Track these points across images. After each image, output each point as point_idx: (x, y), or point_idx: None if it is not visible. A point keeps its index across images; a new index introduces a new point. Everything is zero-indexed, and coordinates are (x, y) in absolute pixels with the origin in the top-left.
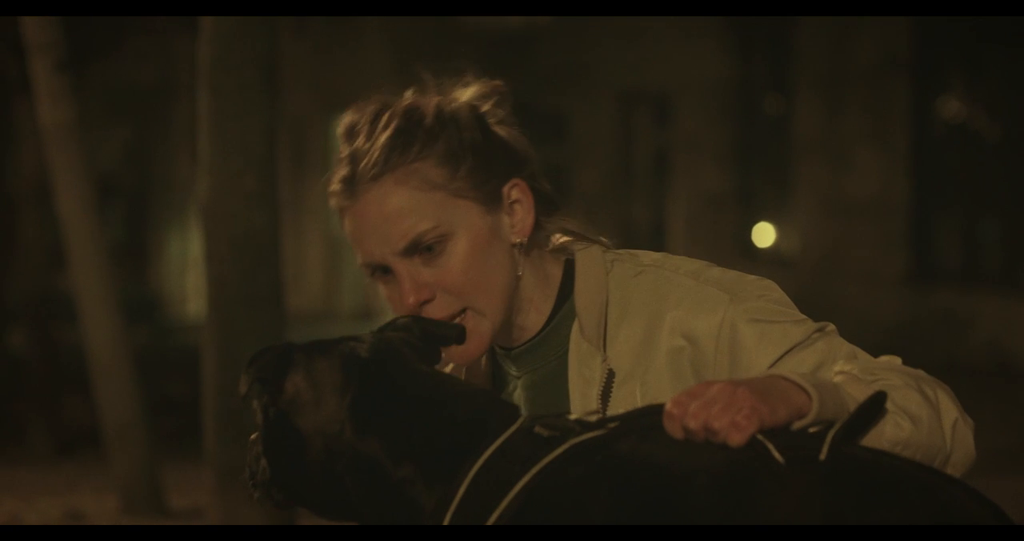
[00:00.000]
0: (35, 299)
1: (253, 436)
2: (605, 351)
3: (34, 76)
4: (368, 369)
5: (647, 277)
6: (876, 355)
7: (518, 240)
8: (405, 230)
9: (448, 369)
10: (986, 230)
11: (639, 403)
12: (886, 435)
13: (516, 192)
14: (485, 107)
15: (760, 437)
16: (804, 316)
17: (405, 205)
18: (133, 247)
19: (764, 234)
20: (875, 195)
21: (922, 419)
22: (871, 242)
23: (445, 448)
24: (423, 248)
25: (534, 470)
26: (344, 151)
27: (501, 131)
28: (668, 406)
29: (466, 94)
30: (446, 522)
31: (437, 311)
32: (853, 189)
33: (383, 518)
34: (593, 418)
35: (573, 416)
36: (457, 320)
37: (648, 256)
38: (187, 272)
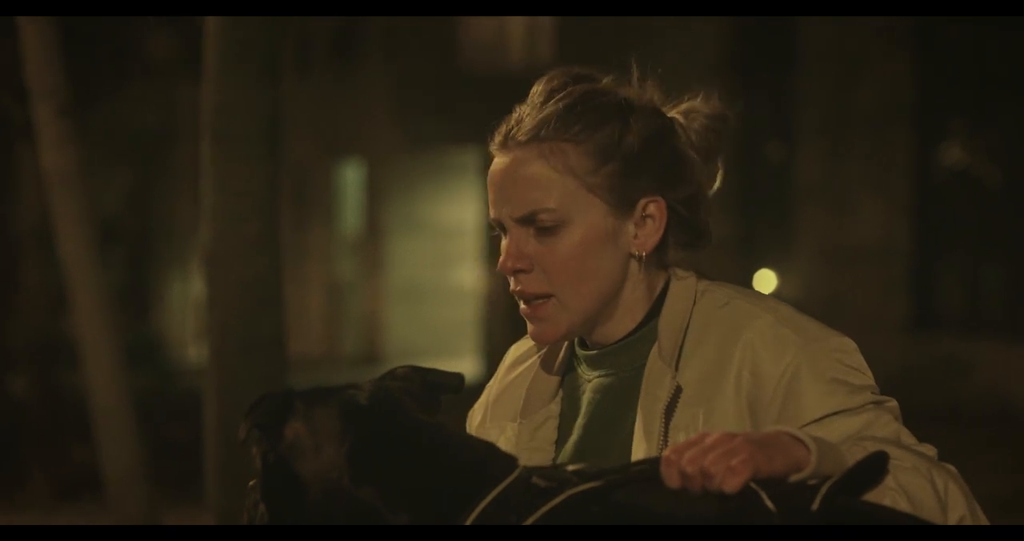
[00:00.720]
0: (37, 343)
1: (252, 483)
2: (677, 370)
3: (37, 121)
4: (367, 417)
5: (731, 308)
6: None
7: (637, 252)
8: (527, 201)
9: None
10: (988, 277)
11: (701, 427)
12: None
13: (652, 208)
14: (684, 120)
15: (754, 485)
16: (871, 383)
17: (537, 179)
18: (135, 291)
19: (766, 281)
20: (877, 241)
21: (923, 503)
22: (873, 288)
23: (444, 498)
24: (538, 224)
25: (530, 520)
26: (518, 109)
27: (680, 147)
28: (666, 452)
29: (676, 108)
30: None
31: (528, 284)
32: (855, 235)
33: None
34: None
35: (571, 467)
36: (540, 304)
37: (738, 291)
38: (188, 316)
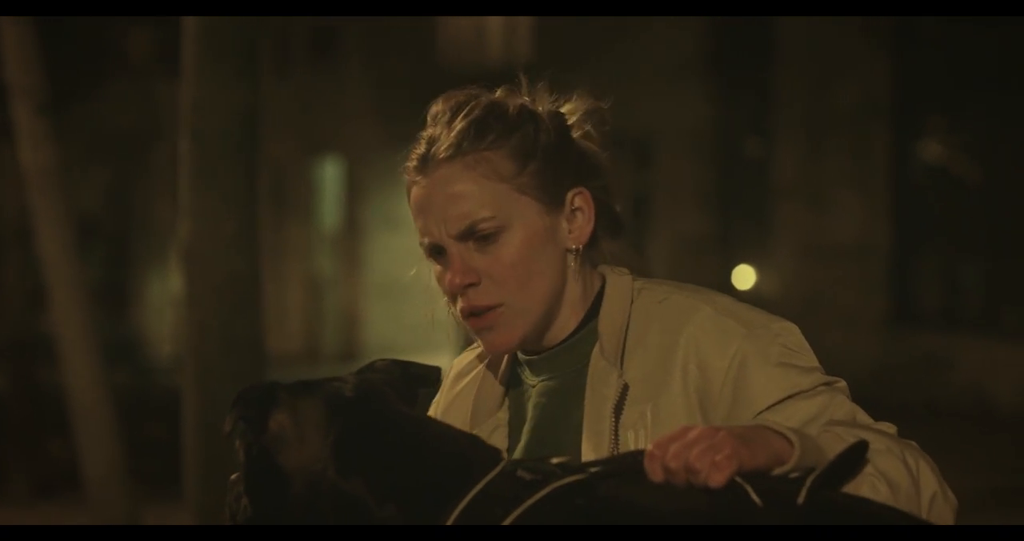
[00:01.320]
0: (16, 341)
1: (234, 476)
2: (622, 368)
3: (15, 119)
4: (352, 409)
5: (670, 304)
6: (854, 400)
7: (573, 246)
8: (463, 214)
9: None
10: (966, 273)
11: (649, 424)
12: (862, 494)
13: (579, 200)
14: (572, 119)
15: (739, 480)
16: (817, 364)
17: (468, 190)
18: (114, 289)
19: (744, 277)
20: (855, 238)
21: (900, 486)
22: (851, 285)
23: (429, 490)
24: (478, 235)
25: (516, 512)
26: (426, 132)
27: (580, 142)
28: (650, 447)
29: (559, 105)
30: None
31: (478, 297)
32: (833, 232)
33: None
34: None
35: (555, 460)
36: (491, 314)
37: (675, 286)
38: (167, 313)
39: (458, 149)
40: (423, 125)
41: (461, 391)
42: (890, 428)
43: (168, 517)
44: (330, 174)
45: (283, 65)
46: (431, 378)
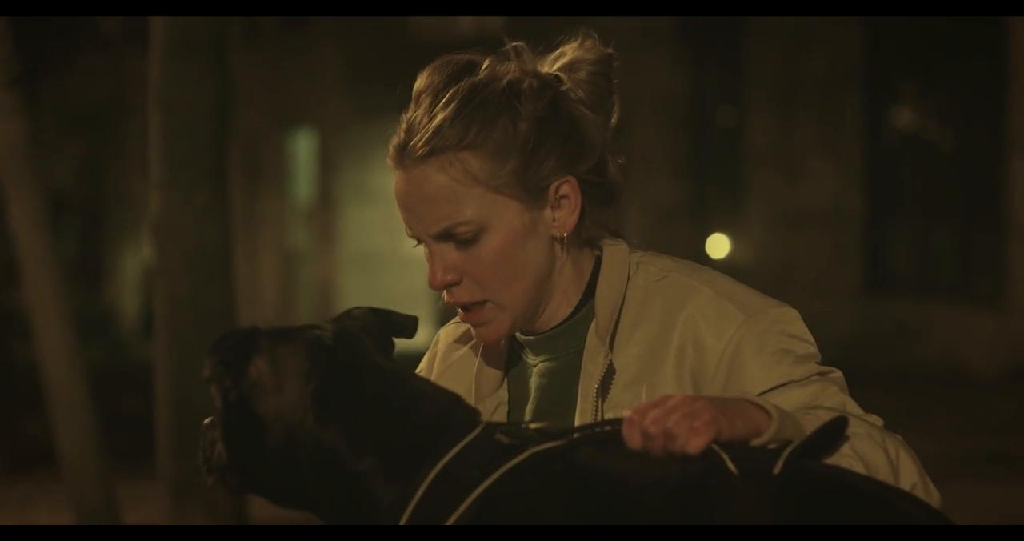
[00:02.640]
0: None
1: (207, 421)
2: (611, 349)
3: None
4: (333, 357)
5: (669, 282)
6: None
7: (559, 234)
8: (440, 217)
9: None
10: (939, 240)
11: None
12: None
13: (565, 188)
14: (568, 83)
15: (716, 447)
16: (815, 352)
17: (443, 194)
18: (87, 263)
19: (718, 246)
20: (828, 206)
21: (878, 470)
22: (825, 253)
23: (407, 445)
24: (457, 238)
25: (494, 477)
26: (408, 112)
27: (576, 114)
28: (629, 413)
29: (557, 63)
30: (403, 522)
31: (461, 294)
32: (806, 200)
33: (338, 508)
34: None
35: (534, 425)
36: (477, 309)
37: (675, 262)
38: (141, 287)
39: (434, 148)
40: (408, 98)
41: (455, 364)
42: (877, 420)
43: (143, 492)
44: (303, 146)
45: (254, 38)
46: (409, 327)
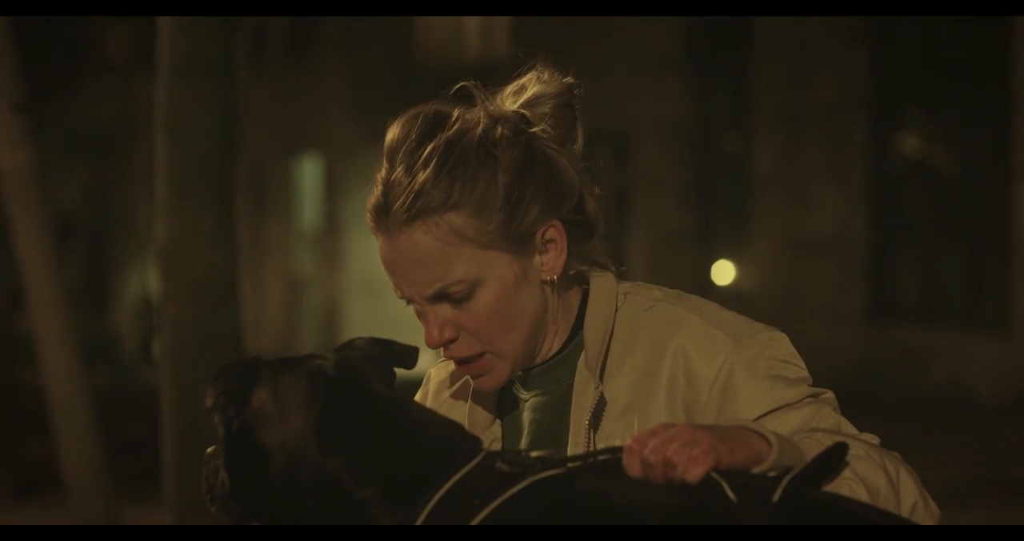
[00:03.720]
0: None
1: (211, 450)
2: (601, 380)
3: None
4: (334, 386)
5: (657, 312)
6: (835, 395)
7: (549, 278)
8: (431, 280)
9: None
10: (945, 266)
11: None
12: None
13: (551, 233)
14: (534, 120)
15: (715, 476)
16: (805, 375)
17: (432, 256)
18: (93, 287)
19: (724, 272)
20: (834, 232)
21: (879, 491)
22: (830, 279)
23: (409, 475)
24: (450, 297)
25: (493, 505)
26: (383, 172)
27: (550, 154)
28: (629, 442)
29: (520, 98)
30: None
31: (459, 349)
32: (812, 226)
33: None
34: (566, 451)
35: (535, 453)
36: (476, 361)
37: (661, 292)
38: (141, 312)
39: (418, 211)
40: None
41: (447, 401)
42: (873, 439)
43: (148, 515)
44: (309, 171)
45: (261, 62)
46: (410, 358)
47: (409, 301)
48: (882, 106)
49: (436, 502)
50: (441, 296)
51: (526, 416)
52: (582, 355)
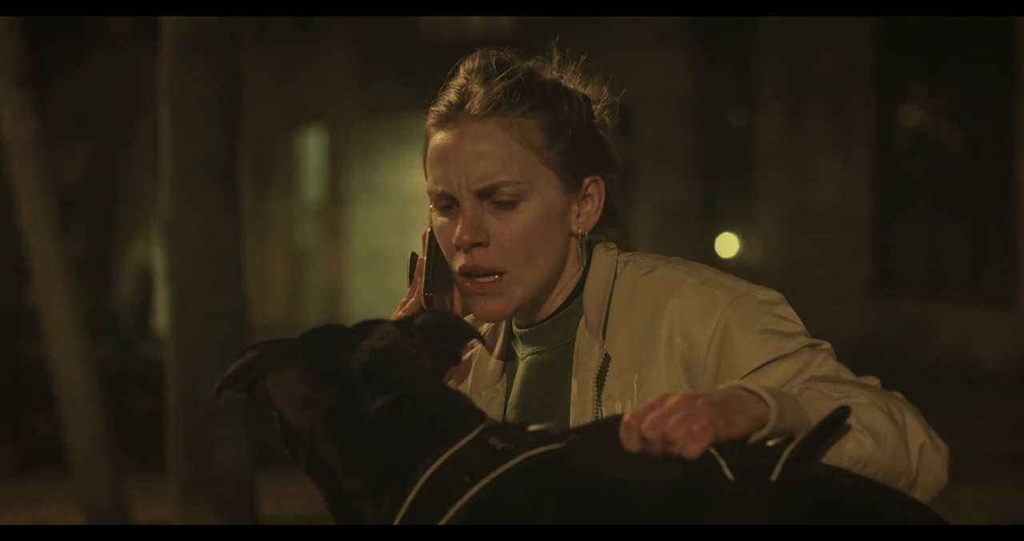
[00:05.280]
0: None
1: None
2: (604, 338)
3: None
4: (333, 379)
5: (655, 275)
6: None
7: (579, 231)
8: (489, 173)
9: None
10: (949, 239)
11: (635, 393)
12: (847, 451)
13: (593, 188)
14: (596, 107)
15: (714, 453)
16: (802, 329)
17: (499, 151)
18: (97, 261)
19: (728, 245)
20: (838, 205)
21: (886, 438)
22: (834, 252)
23: (396, 465)
24: (496, 199)
25: (483, 482)
26: (459, 82)
27: (600, 131)
28: (626, 417)
29: (583, 88)
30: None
31: (483, 259)
32: (816, 199)
33: (338, 511)
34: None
35: (533, 427)
36: (492, 280)
37: (662, 258)
38: (139, 286)
39: (495, 108)
40: (453, 75)
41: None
42: (874, 381)
43: (153, 489)
44: (313, 145)
45: (264, 36)
46: (462, 331)
47: (443, 198)
48: (885, 79)
49: (425, 479)
50: (489, 193)
51: (520, 373)
52: (582, 318)
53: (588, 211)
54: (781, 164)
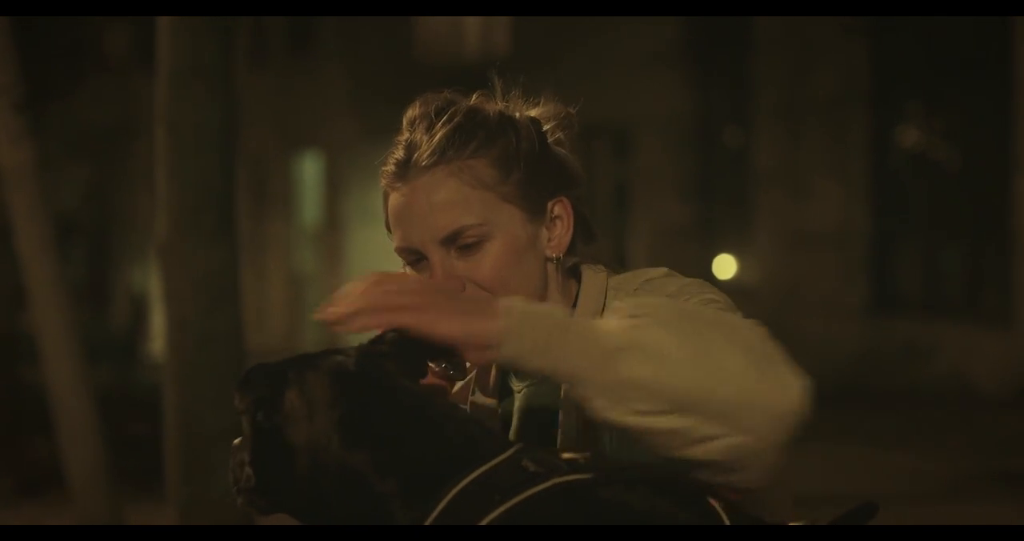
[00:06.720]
0: None
1: (237, 442)
2: None
3: None
4: (356, 383)
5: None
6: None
7: (553, 255)
8: (449, 221)
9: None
10: (946, 259)
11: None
12: (622, 374)
13: (559, 208)
14: (547, 126)
15: (719, 509)
16: (729, 306)
17: (454, 197)
18: (94, 286)
19: (725, 266)
20: (835, 225)
21: (669, 358)
22: (832, 272)
23: (431, 469)
24: (461, 243)
25: (513, 501)
26: (403, 136)
27: (558, 151)
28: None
29: (533, 111)
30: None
31: None
32: (813, 219)
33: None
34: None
35: (566, 455)
36: None
37: (650, 284)
38: (149, 310)
39: (441, 156)
40: (399, 129)
41: (455, 395)
42: (729, 317)
43: (152, 514)
44: (310, 169)
45: (261, 58)
46: (443, 352)
47: (410, 254)
48: (882, 99)
49: (455, 494)
50: (453, 239)
51: (517, 406)
52: None
53: (559, 233)
54: (778, 184)
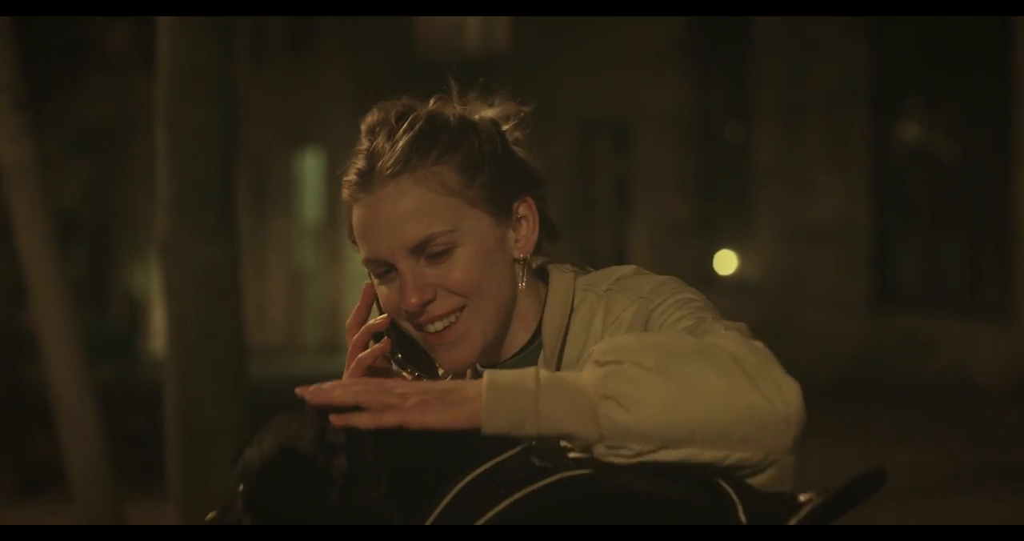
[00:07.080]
0: None
1: (235, 492)
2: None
3: None
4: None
5: (606, 300)
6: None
7: (521, 255)
8: (418, 230)
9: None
10: (947, 253)
11: None
12: (606, 426)
13: (524, 209)
14: (505, 126)
15: (731, 492)
16: (704, 306)
17: (420, 205)
18: (95, 283)
19: (726, 262)
20: (836, 220)
21: (649, 401)
22: (833, 267)
23: (433, 467)
24: (430, 251)
25: (518, 494)
26: (364, 145)
27: (518, 151)
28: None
29: (489, 112)
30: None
31: (439, 308)
32: (814, 215)
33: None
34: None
35: (574, 454)
36: (452, 323)
37: (618, 282)
38: (150, 308)
39: (406, 164)
40: (357, 138)
41: None
42: (721, 331)
43: (153, 511)
44: (310, 166)
45: (261, 56)
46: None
47: (378, 266)
48: (882, 94)
49: (462, 486)
50: (422, 248)
51: None
52: (541, 353)
53: (525, 234)
54: (779, 180)
